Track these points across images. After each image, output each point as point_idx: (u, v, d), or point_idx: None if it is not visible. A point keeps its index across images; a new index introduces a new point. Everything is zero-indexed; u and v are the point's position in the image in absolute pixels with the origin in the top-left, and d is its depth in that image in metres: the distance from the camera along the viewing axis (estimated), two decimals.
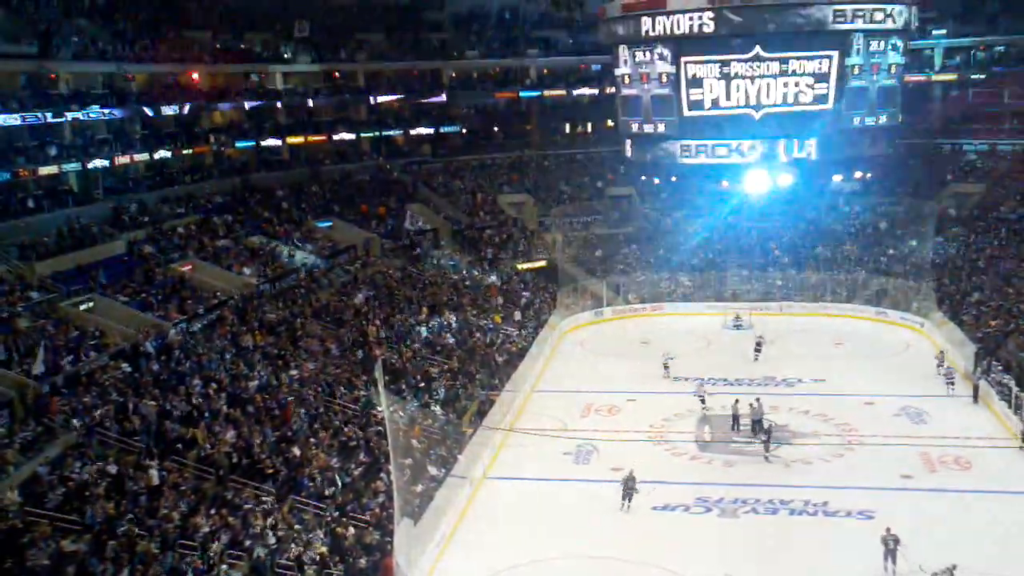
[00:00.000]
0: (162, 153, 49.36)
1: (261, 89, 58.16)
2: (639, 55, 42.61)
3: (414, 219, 55.50)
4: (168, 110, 49.75)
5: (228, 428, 27.57)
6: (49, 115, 41.51)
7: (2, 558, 19.98)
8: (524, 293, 50.24)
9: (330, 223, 52.37)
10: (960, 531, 24.60)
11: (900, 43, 41.32)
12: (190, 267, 40.44)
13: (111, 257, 39.07)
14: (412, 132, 65.07)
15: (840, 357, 41.79)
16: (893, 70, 41.55)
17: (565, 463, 30.53)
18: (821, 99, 40.32)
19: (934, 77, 61.48)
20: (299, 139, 59.32)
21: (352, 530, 23.94)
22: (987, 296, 44.49)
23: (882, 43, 40.46)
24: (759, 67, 40.23)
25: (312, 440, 28.36)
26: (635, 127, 44.85)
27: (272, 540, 22.74)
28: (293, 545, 22.91)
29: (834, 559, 23.83)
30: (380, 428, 28.75)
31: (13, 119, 39.90)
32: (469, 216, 59.10)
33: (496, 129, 72.08)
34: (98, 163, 44.34)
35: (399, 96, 64.01)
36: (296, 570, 22.13)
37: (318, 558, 22.55)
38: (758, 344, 41.65)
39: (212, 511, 23.55)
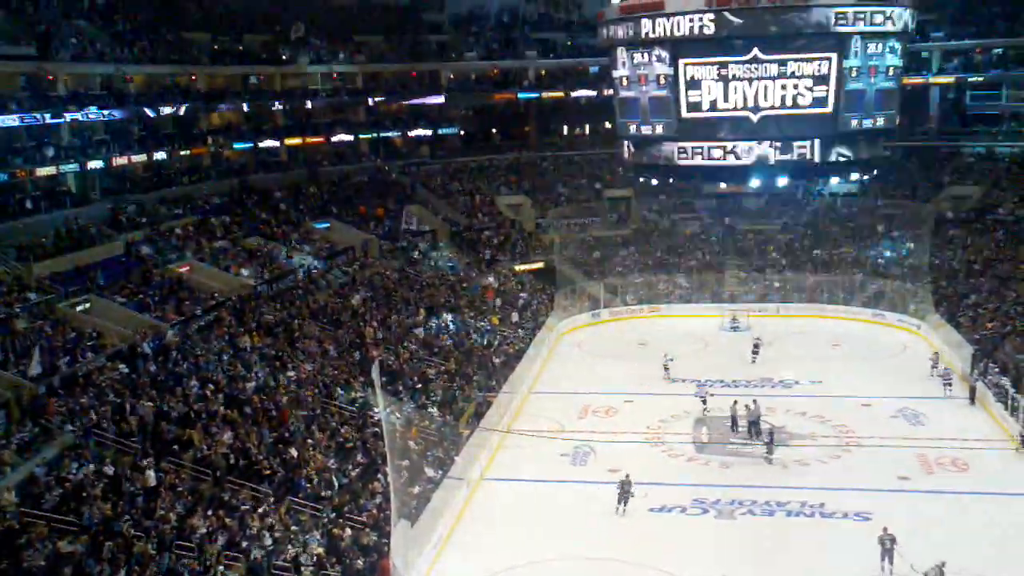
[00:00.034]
0: (160, 154, 49.31)
1: (259, 90, 58.10)
2: (637, 57, 42.63)
3: (409, 219, 55.47)
4: (166, 111, 49.74)
5: (225, 429, 27.57)
6: (47, 116, 41.52)
7: None
8: (522, 294, 50.25)
9: (328, 224, 52.38)
10: (957, 532, 24.63)
11: (898, 45, 41.34)
12: (188, 268, 40.45)
13: (109, 258, 39.07)
14: (410, 133, 65.13)
15: (837, 359, 41.85)
16: (891, 72, 41.56)
17: (562, 464, 30.54)
18: (820, 102, 40.33)
19: (932, 80, 61.55)
20: (297, 140, 59.34)
21: (349, 531, 23.92)
22: (984, 298, 44.56)
23: (880, 45, 40.48)
24: (757, 69, 40.26)
25: (309, 441, 28.36)
26: (633, 129, 44.85)
27: (269, 541, 22.73)
28: (290, 546, 22.92)
29: (831, 560, 23.83)
30: (377, 429, 28.77)
31: (11, 120, 39.88)
32: (467, 217, 59.12)
33: (494, 131, 72.25)
34: (96, 164, 44.33)
35: (397, 97, 63.93)
36: (293, 571, 22.13)
37: (315, 559, 22.52)
38: (755, 346, 41.72)
39: (209, 512, 23.54)
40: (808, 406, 35.25)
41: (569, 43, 69.74)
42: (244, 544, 22.45)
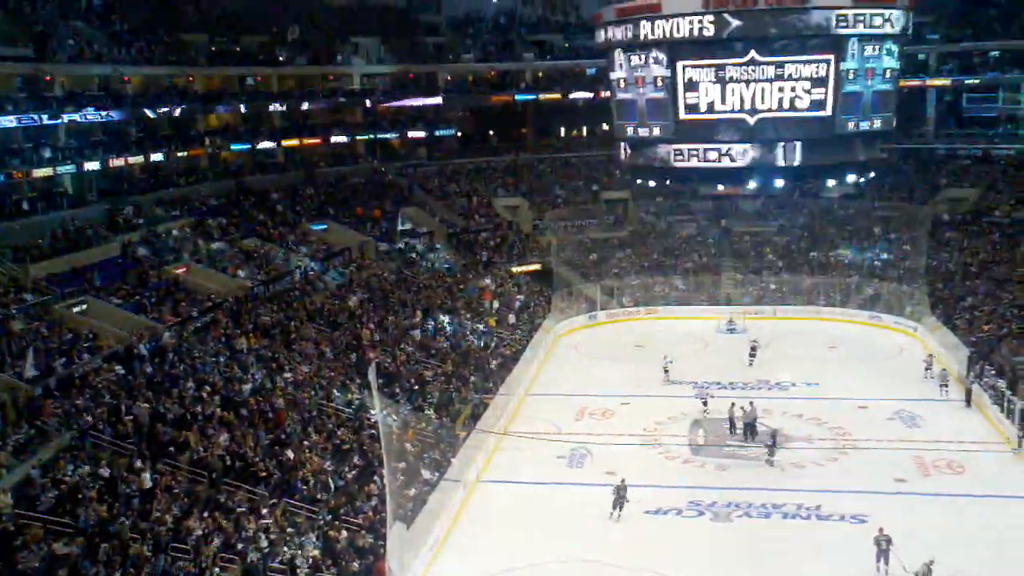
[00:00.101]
0: (157, 155, 49.26)
1: (256, 92, 58.08)
2: (634, 59, 42.61)
3: (403, 220, 55.44)
4: (163, 112, 49.70)
5: (221, 431, 27.53)
6: (45, 117, 41.55)
7: None
8: (519, 296, 50.24)
9: (325, 226, 52.37)
10: (953, 535, 24.66)
11: (895, 48, 41.36)
12: (184, 269, 40.44)
13: (105, 259, 39.06)
14: (407, 135, 65.06)
15: (834, 361, 41.88)
16: (888, 75, 41.56)
17: (559, 467, 30.55)
18: (818, 105, 40.34)
19: (928, 82, 61.58)
20: (294, 142, 59.29)
21: (345, 533, 23.91)
22: (980, 300, 44.60)
23: (877, 48, 40.49)
24: (754, 71, 40.26)
25: (305, 443, 28.33)
26: (630, 131, 44.82)
27: (265, 543, 22.70)
28: (286, 548, 22.91)
29: (827, 563, 23.88)
30: (373, 431, 28.72)
31: (8, 121, 39.94)
32: (464, 219, 59.09)
33: (491, 132, 72.28)
34: (93, 165, 44.30)
35: (394, 99, 63.96)
36: (288, 573, 22.11)
37: (311, 561, 22.54)
38: (753, 348, 41.74)
39: (205, 514, 23.52)
40: (805, 408, 35.27)
41: (566, 45, 69.75)
42: (240, 546, 22.44)
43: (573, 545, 24.88)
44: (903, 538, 22.90)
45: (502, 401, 35.30)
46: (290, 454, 27.28)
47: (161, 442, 26.25)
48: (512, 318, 46.49)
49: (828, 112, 40.33)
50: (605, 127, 62.77)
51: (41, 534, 21.05)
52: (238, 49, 58.95)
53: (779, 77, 40.11)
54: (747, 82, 40.39)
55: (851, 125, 41.20)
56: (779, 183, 46.62)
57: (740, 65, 40.17)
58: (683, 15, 39.82)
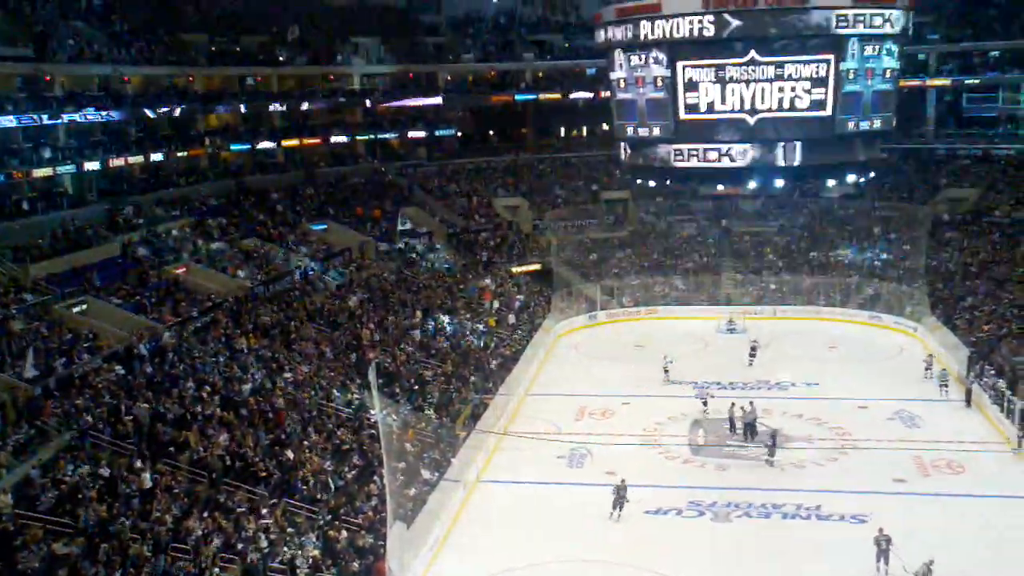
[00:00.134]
0: (157, 155, 49.27)
1: (256, 92, 58.09)
2: (634, 59, 42.63)
3: (403, 220, 55.45)
4: (163, 112, 49.70)
5: (221, 431, 27.54)
6: (45, 117, 41.56)
7: None
8: (518, 296, 50.24)
9: (325, 226, 52.37)
10: (953, 535, 24.66)
11: (895, 48, 41.36)
12: (184, 269, 40.43)
13: (105, 259, 39.07)
14: (407, 135, 65.06)
15: (834, 361, 41.89)
16: (888, 75, 41.56)
17: (559, 467, 30.55)
18: (818, 105, 40.34)
19: (928, 82, 61.58)
20: (294, 142, 59.29)
21: (345, 533, 23.91)
22: (980, 301, 44.60)
23: (877, 47, 40.50)
24: (754, 71, 40.27)
25: (305, 443, 28.34)
26: (630, 131, 44.83)
27: (265, 543, 22.70)
28: (286, 548, 22.90)
29: (827, 563, 23.87)
30: (373, 431, 28.71)
31: (8, 121, 39.93)
32: (464, 219, 59.10)
33: (491, 132, 72.30)
34: (93, 165, 44.30)
35: (394, 99, 63.96)
36: (288, 573, 22.10)
37: (311, 561, 22.54)
38: (753, 349, 41.74)
39: (205, 514, 23.52)
40: (805, 408, 35.27)
41: (566, 45, 69.76)
42: (240, 546, 22.44)
43: (573, 545, 24.89)
44: (903, 538, 22.90)
45: (502, 401, 35.31)
46: (290, 454, 27.28)
47: (161, 442, 26.26)
48: (512, 318, 46.49)
49: (828, 112, 40.35)
50: (605, 127, 62.79)
51: (41, 534, 21.05)
52: (238, 49, 58.97)
53: (779, 77, 40.12)
54: (747, 82, 40.41)
55: (851, 125, 41.21)
56: (779, 183, 46.67)
57: (740, 65, 40.19)
58: (683, 15, 39.83)
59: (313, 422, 30.07)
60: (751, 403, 32.85)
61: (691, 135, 42.23)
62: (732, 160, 41.60)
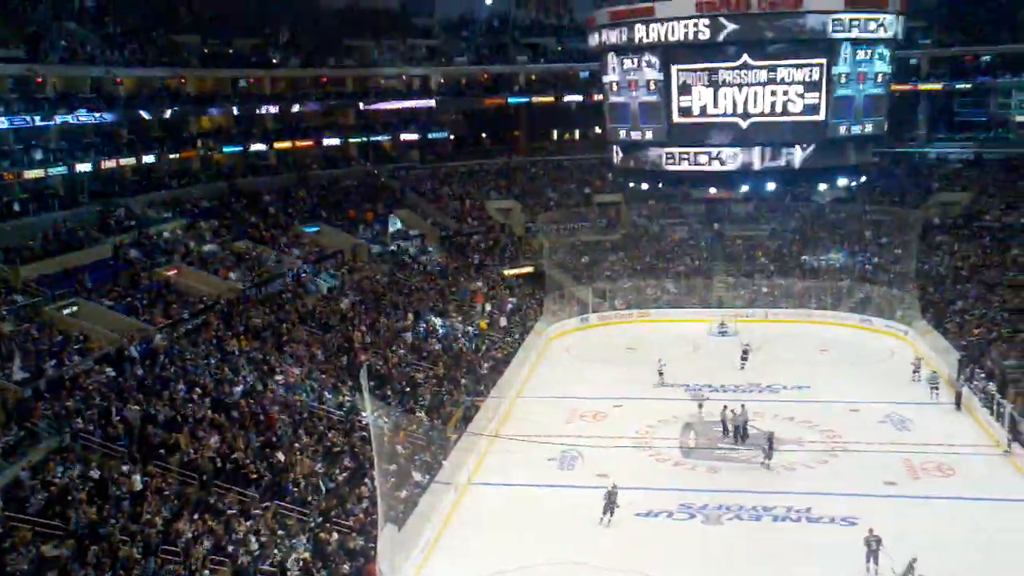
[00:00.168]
0: (149, 157, 49.17)
1: (249, 94, 58.04)
2: (627, 62, 42.76)
3: (394, 222, 55.43)
4: (156, 114, 49.62)
5: (212, 433, 27.49)
6: (37, 118, 41.46)
7: None
8: (511, 299, 50.26)
9: (317, 228, 52.30)
10: (943, 538, 24.75)
11: (887, 52, 41.54)
12: (176, 271, 40.31)
13: (97, 261, 38.92)
14: (400, 138, 65.04)
15: (825, 364, 41.97)
16: (880, 79, 41.76)
17: (550, 469, 30.57)
18: (811, 109, 40.48)
19: (920, 86, 61.79)
20: (287, 144, 59.23)
21: (336, 536, 23.90)
22: (971, 304, 44.73)
23: (869, 52, 40.68)
24: (747, 75, 40.40)
25: (296, 445, 28.30)
26: (623, 134, 44.97)
27: (255, 545, 22.69)
28: (276, 551, 22.89)
29: (817, 565, 23.94)
30: (365, 434, 28.74)
31: (0, 122, 39.76)
32: (457, 222, 59.11)
33: (484, 135, 72.33)
34: (85, 167, 44.20)
35: (387, 101, 63.98)
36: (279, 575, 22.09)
37: (301, 564, 22.49)
38: (744, 352, 41.79)
39: (195, 516, 23.48)
40: (796, 411, 35.33)
41: (559, 48, 69.90)
42: (230, 548, 22.43)
43: (564, 547, 24.89)
44: (893, 541, 22.97)
45: (494, 403, 35.32)
46: (281, 456, 27.25)
47: (151, 444, 26.20)
48: (504, 321, 46.48)
49: (820, 116, 40.52)
50: (598, 130, 62.83)
51: (30, 536, 21.01)
52: (231, 51, 58.91)
53: (771, 81, 40.29)
54: (739, 86, 40.57)
55: (843, 129, 41.42)
56: (771, 187, 46.81)
57: (733, 69, 40.33)
58: (678, 18, 39.96)
59: (304, 424, 30.03)
60: (742, 406, 32.92)
61: (684, 138, 42.38)
62: (722, 164, 41.77)
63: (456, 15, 72.17)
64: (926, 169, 61.99)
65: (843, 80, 40.28)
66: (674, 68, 41.11)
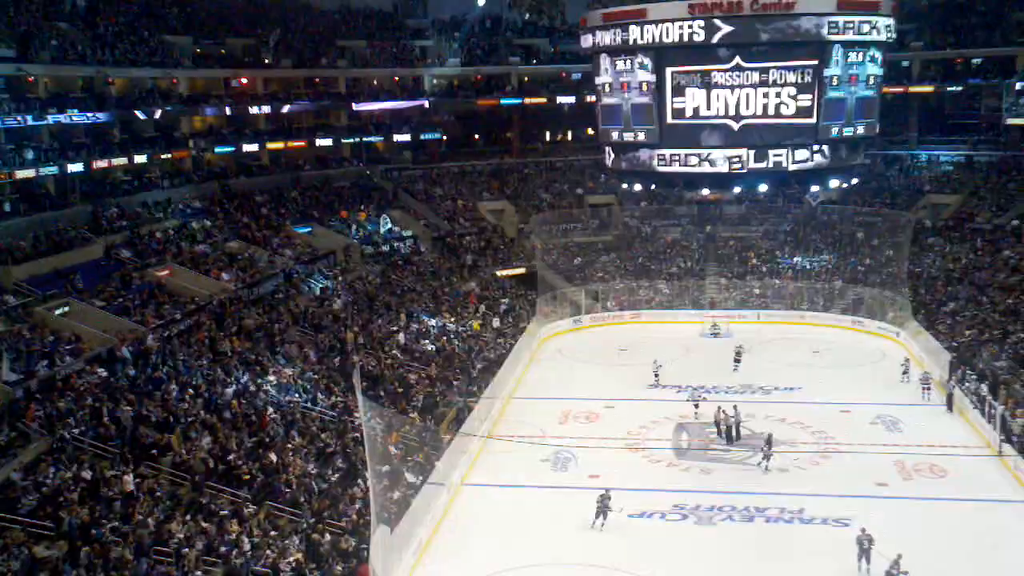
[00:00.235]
0: (141, 157, 49.03)
1: (241, 94, 57.93)
2: (620, 64, 42.85)
3: (386, 222, 55.39)
4: (147, 114, 49.49)
5: (204, 434, 27.45)
6: (28, 118, 41.34)
7: None
8: (503, 300, 50.26)
9: (309, 228, 52.24)
10: (934, 538, 24.82)
11: (879, 54, 41.70)
12: (168, 272, 40.25)
13: (88, 261, 38.91)
14: (393, 138, 64.99)
15: (817, 365, 42.00)
16: (871, 81, 41.90)
17: (543, 470, 30.55)
18: (804, 112, 40.58)
19: (911, 88, 61.96)
20: (279, 144, 59.15)
21: (328, 536, 23.87)
22: (962, 306, 44.90)
23: (861, 54, 40.81)
24: (739, 77, 40.48)
25: (289, 446, 28.26)
26: (615, 135, 45.07)
27: (248, 546, 22.64)
28: (269, 551, 22.84)
29: (810, 566, 23.97)
30: (357, 435, 28.69)
31: None
32: (449, 223, 59.12)
33: (477, 136, 72.30)
34: (76, 167, 44.06)
35: (379, 102, 63.93)
36: None
37: (294, 564, 22.46)
38: (737, 354, 41.78)
39: (187, 517, 23.45)
40: (788, 412, 35.36)
41: (552, 49, 69.92)
42: (223, 549, 22.37)
43: (556, 548, 24.88)
44: (884, 542, 23.01)
45: (486, 404, 35.26)
46: (273, 457, 27.21)
47: (144, 445, 26.16)
48: (497, 321, 46.48)
49: (812, 118, 40.63)
50: (590, 132, 62.88)
51: (22, 537, 20.97)
52: (223, 51, 58.79)
53: (763, 83, 40.39)
54: (732, 88, 40.67)
55: (835, 131, 41.53)
56: (763, 188, 46.91)
57: (725, 71, 40.41)
58: (672, 20, 40.02)
59: (297, 425, 29.99)
60: (735, 407, 32.98)
61: (676, 140, 42.45)
62: (713, 165, 41.83)
63: (449, 16, 72.09)
64: (917, 171, 62.17)
65: (835, 82, 40.43)
66: (668, 70, 41.20)
